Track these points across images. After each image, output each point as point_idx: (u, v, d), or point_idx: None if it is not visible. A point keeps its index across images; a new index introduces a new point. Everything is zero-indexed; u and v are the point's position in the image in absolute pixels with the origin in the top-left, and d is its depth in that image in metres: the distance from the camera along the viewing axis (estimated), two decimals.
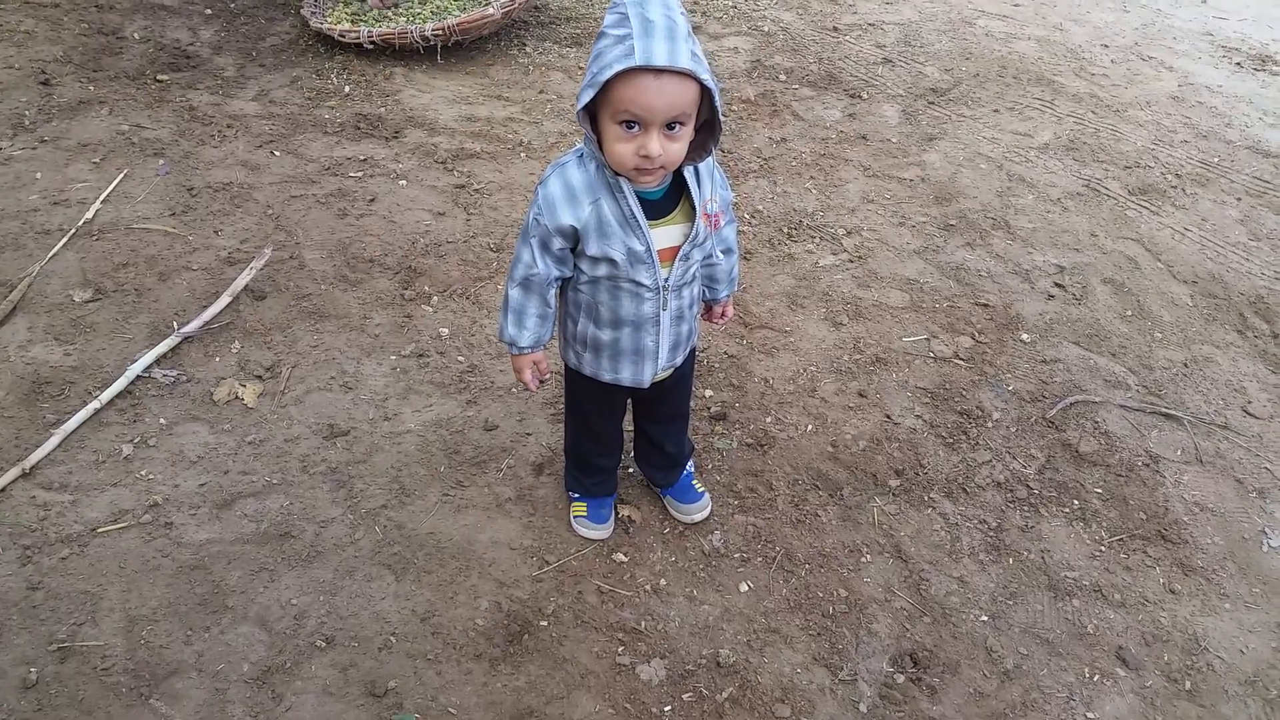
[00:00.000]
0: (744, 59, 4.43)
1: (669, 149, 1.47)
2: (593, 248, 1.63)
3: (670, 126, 1.45)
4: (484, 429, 2.47)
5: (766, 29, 4.69)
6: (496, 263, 3.07)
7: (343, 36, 4.08)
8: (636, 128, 1.45)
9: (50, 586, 2.00)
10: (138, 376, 2.54)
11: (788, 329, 2.93)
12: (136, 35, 4.13)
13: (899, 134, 4.00)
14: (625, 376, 1.83)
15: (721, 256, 1.89)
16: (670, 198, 1.64)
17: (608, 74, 1.39)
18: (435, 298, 2.89)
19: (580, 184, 1.60)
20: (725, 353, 2.82)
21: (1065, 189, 3.70)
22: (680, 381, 2.02)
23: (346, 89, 3.96)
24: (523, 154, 3.64)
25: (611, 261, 1.64)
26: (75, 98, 3.64)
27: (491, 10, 4.14)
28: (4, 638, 1.90)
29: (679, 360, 1.89)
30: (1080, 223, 3.51)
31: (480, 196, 3.36)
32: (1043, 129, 4.10)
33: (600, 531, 2.19)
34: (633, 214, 1.59)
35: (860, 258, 3.26)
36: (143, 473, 2.31)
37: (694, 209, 1.65)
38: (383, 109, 3.81)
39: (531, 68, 4.25)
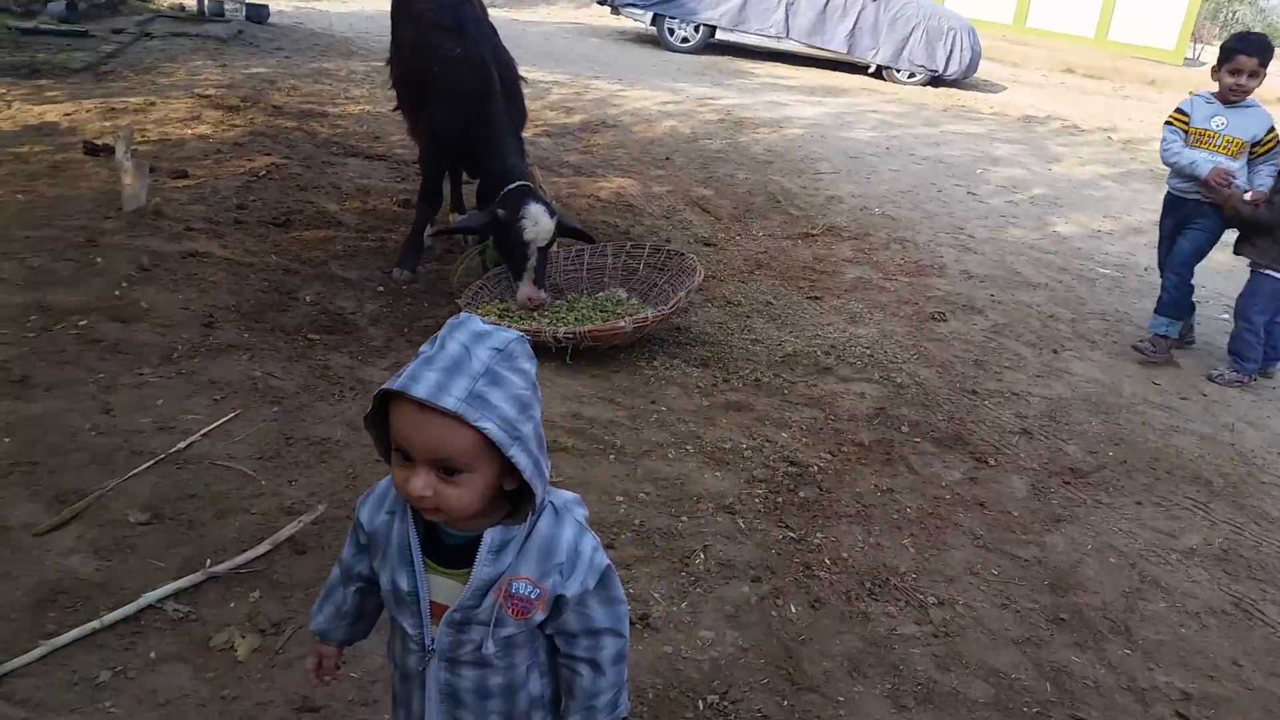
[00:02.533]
0: (868, 405, 4.36)
1: (445, 493, 1.25)
2: (375, 564, 1.45)
3: (447, 471, 1.25)
4: None
5: (899, 380, 4.63)
6: None
7: None
8: (405, 458, 1.27)
9: None
10: (149, 606, 2.52)
11: (840, 699, 2.59)
12: (308, 298, 4.58)
13: (1022, 508, 3.71)
14: None
15: (582, 670, 1.45)
16: (473, 549, 1.36)
17: (378, 390, 1.27)
18: None
19: (386, 497, 1.45)
20: (758, 710, 2.50)
21: (1207, 603, 3.24)
22: None
23: None
24: (612, 456, 3.63)
25: (385, 590, 1.43)
26: (227, 341, 4.02)
27: (623, 324, 4.34)
28: None
29: None
30: (1221, 646, 3.02)
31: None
32: (1191, 531, 3.69)
33: None
34: (407, 544, 1.37)
35: (947, 634, 2.91)
36: (107, 703, 2.22)
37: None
38: None
39: (653, 379, 4.35)
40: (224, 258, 4.81)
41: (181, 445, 3.20)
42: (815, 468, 3.75)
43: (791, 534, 3.31)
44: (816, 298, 5.56)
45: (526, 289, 4.52)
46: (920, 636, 2.89)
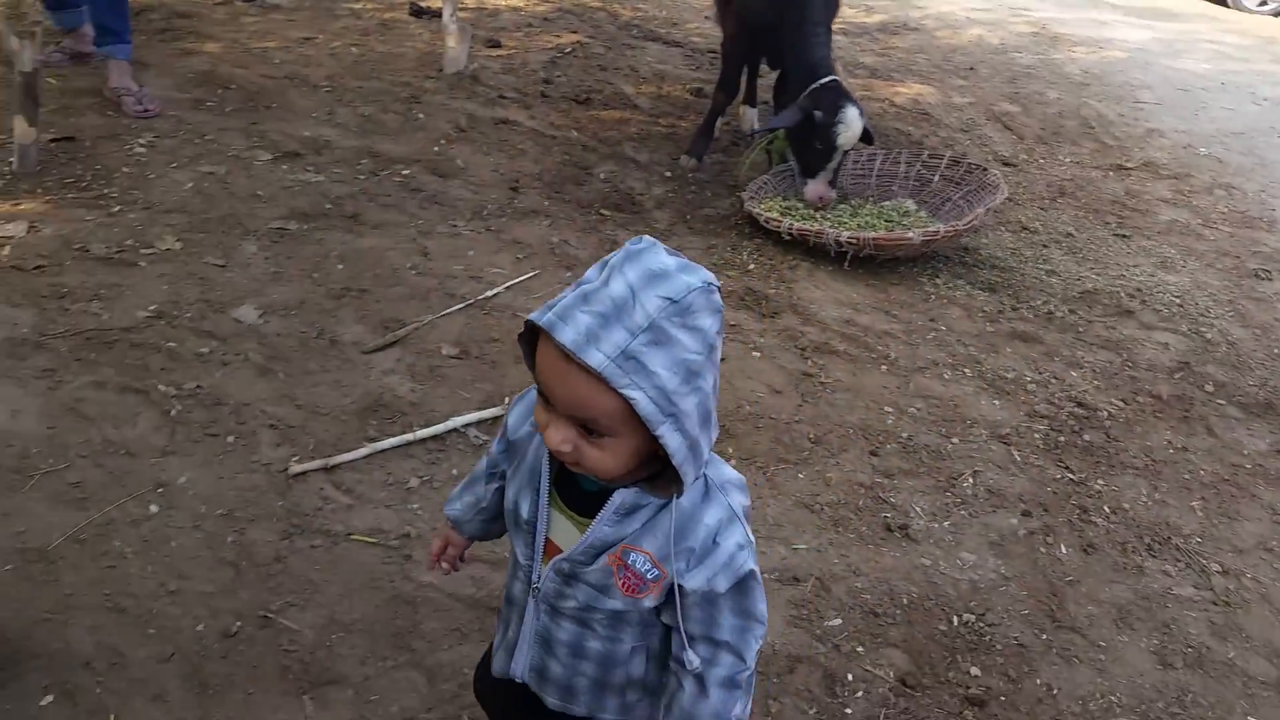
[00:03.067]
0: (1171, 356, 4.03)
1: (585, 451, 1.07)
2: (508, 475, 1.32)
3: (588, 430, 1.06)
4: None
5: (1209, 336, 4.23)
6: (810, 453, 3.00)
7: (767, 223, 4.38)
8: (548, 401, 1.09)
9: (289, 564, 2.23)
10: (455, 429, 2.81)
11: (1101, 644, 2.50)
12: (601, 175, 4.77)
13: None
14: (497, 661, 1.39)
15: (686, 683, 1.23)
16: (600, 500, 1.19)
17: (527, 319, 1.07)
18: (734, 461, 2.89)
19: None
20: (1014, 638, 2.47)
21: None
22: None
23: (751, 265, 4.21)
24: (884, 367, 3.59)
25: (508, 505, 1.30)
26: (530, 206, 4.28)
27: (911, 235, 4.22)
28: (234, 588, 2.13)
29: (551, 700, 1.34)
30: None
31: (822, 389, 3.35)
32: None
33: None
34: (540, 472, 1.23)
35: (1228, 604, 2.71)
36: (414, 506, 2.52)
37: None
38: (772, 290, 4.00)
39: (934, 297, 4.22)
40: (530, 128, 5.08)
41: (488, 294, 3.49)
42: (1105, 413, 3.54)
43: (1071, 475, 3.16)
44: (1124, 236, 5.13)
45: (819, 187, 4.47)
46: (1198, 600, 2.71)
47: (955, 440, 3.26)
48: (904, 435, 3.21)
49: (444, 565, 1.54)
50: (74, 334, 2.86)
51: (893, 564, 2.66)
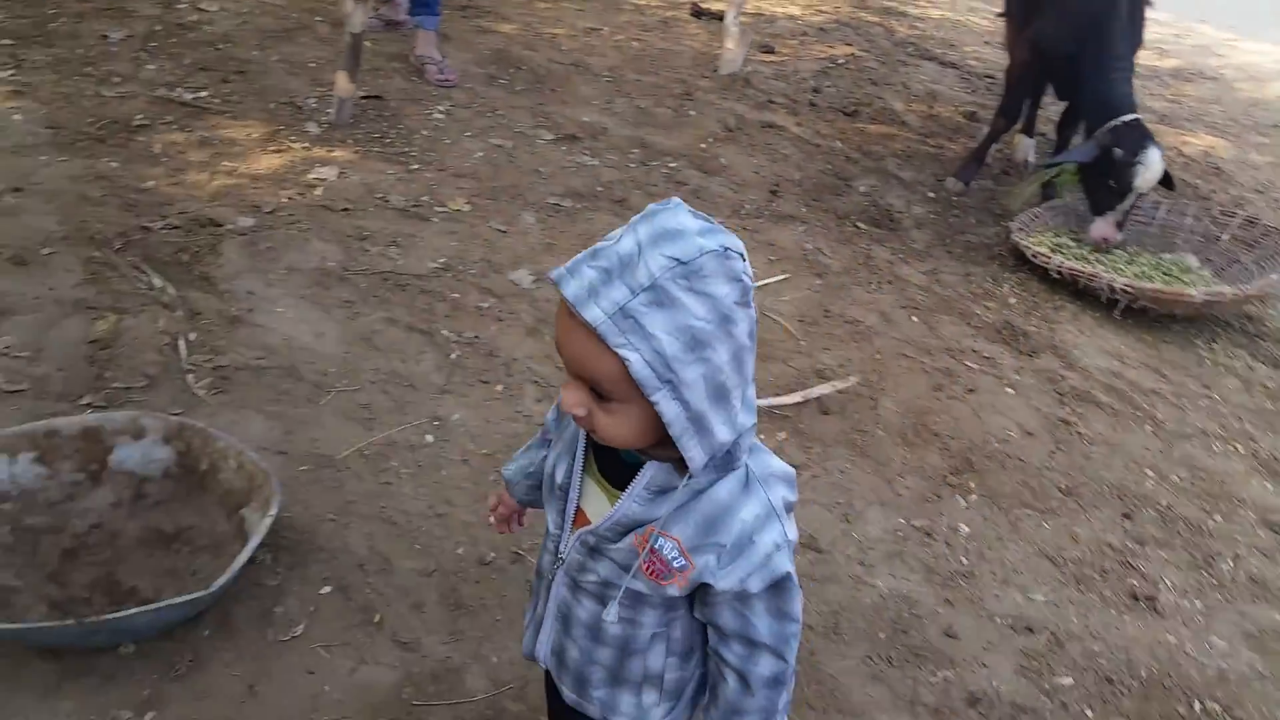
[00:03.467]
0: None
1: (598, 418, 1.03)
2: (553, 440, 1.28)
3: (598, 394, 1.01)
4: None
5: None
6: (1059, 504, 2.88)
7: (1035, 258, 4.22)
8: None
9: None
10: None
11: None
12: (861, 189, 4.75)
13: None
14: (526, 639, 1.35)
15: (729, 677, 1.18)
16: (633, 472, 1.13)
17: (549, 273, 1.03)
18: (975, 496, 2.82)
19: None
20: None
21: None
22: None
23: (1012, 300, 4.08)
24: (1148, 427, 3.38)
25: (546, 467, 1.26)
26: (787, 211, 4.33)
27: (1194, 293, 3.94)
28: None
29: (567, 690, 1.30)
30: None
31: (1079, 440, 3.20)
32: None
33: None
34: (576, 437, 1.18)
35: None
36: None
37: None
38: (1033, 328, 3.85)
39: (1209, 362, 3.94)
40: (795, 135, 5.14)
41: None
42: None
43: None
44: None
45: (1106, 227, 4.25)
46: None
47: (1218, 518, 3.03)
48: (1162, 503, 3.02)
49: (500, 527, 1.51)
50: (372, 273, 3.17)
51: (1135, 634, 2.52)
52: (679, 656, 1.23)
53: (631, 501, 1.09)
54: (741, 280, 0.97)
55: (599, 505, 1.16)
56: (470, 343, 2.96)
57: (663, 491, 1.08)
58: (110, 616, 1.74)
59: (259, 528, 1.95)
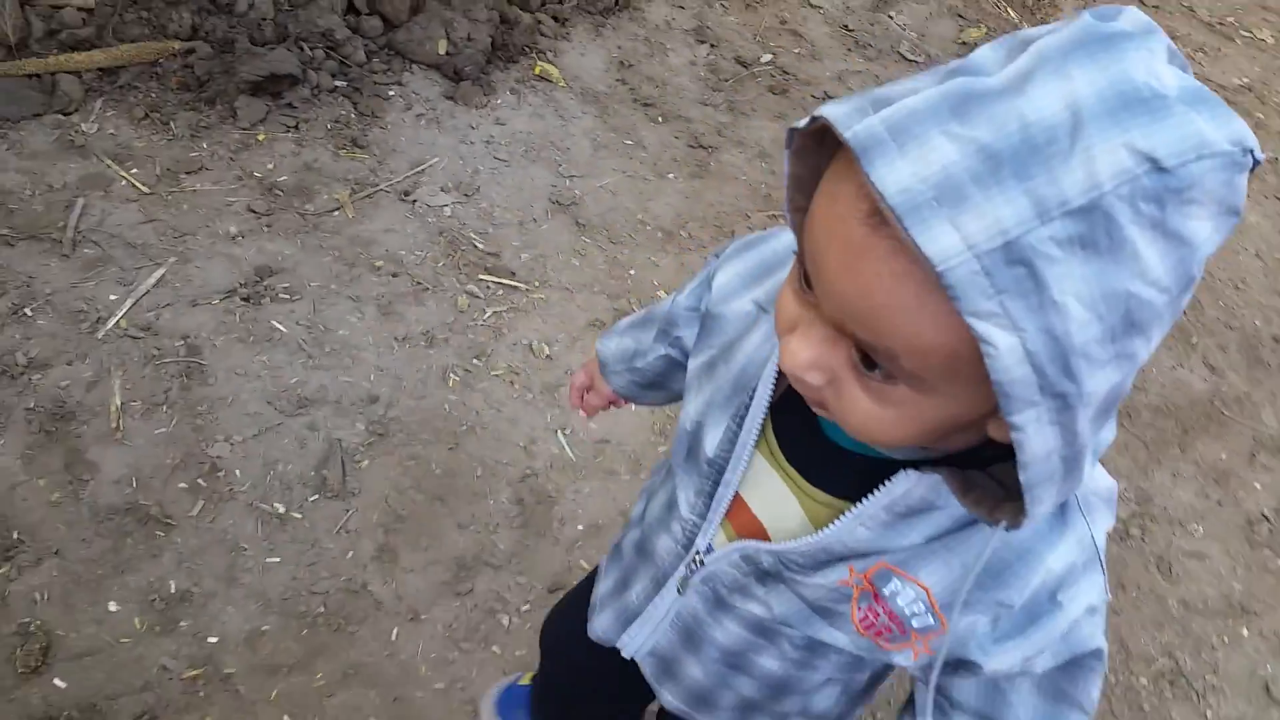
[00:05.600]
0: None
1: (849, 395, 0.58)
2: (690, 367, 0.86)
3: (867, 362, 0.55)
4: None
5: None
6: None
7: None
8: (811, 288, 0.57)
9: None
10: None
11: None
12: None
13: None
14: (600, 620, 1.01)
15: None
16: (862, 472, 0.69)
17: (821, 111, 0.51)
18: None
19: (778, 274, 0.80)
20: None
21: None
22: None
23: None
24: None
25: (683, 423, 0.85)
26: None
27: None
28: None
29: (671, 698, 0.97)
30: None
31: None
32: None
33: None
34: (751, 389, 0.75)
35: None
36: None
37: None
38: None
39: None
40: None
41: None
42: None
43: None
44: None
45: None
46: None
47: None
48: None
49: (585, 411, 1.18)
50: None
51: None
52: (854, 696, 0.92)
53: (858, 526, 0.69)
54: (1240, 212, 0.51)
55: (778, 502, 0.77)
56: None
57: (912, 515, 0.68)
58: None
59: None
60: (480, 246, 2.12)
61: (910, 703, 0.81)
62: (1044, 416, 0.49)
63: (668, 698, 0.96)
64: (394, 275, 2.01)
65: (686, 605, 0.87)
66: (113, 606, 1.47)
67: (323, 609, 1.54)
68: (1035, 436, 0.49)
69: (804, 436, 0.72)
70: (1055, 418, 0.49)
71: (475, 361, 1.92)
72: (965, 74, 0.48)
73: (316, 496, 1.66)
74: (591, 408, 1.14)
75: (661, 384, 1.03)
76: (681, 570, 0.85)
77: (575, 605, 1.09)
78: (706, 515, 0.81)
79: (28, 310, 1.74)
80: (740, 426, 0.75)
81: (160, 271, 1.86)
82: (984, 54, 0.50)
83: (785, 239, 0.81)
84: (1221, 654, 1.92)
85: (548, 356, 1.97)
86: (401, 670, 1.51)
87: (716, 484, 0.79)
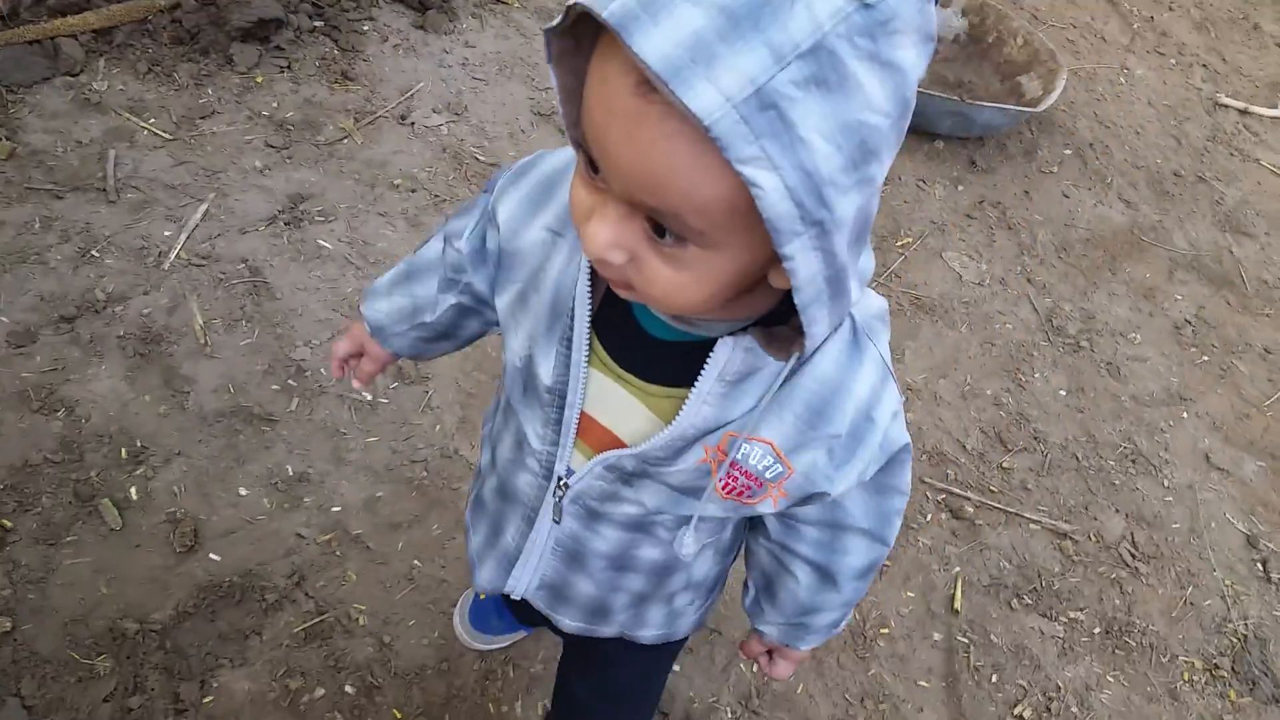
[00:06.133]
0: None
1: (649, 266, 0.63)
2: (502, 302, 0.87)
3: (658, 230, 0.61)
4: None
5: None
6: None
7: None
8: (598, 173, 0.62)
9: None
10: None
11: None
12: None
13: None
14: (483, 574, 1.06)
15: (800, 573, 0.95)
16: (688, 357, 0.75)
17: (577, 3, 0.55)
18: None
19: (559, 194, 0.81)
20: None
21: None
22: (584, 666, 1.24)
23: None
24: None
25: (512, 360, 0.88)
26: None
27: None
28: None
29: (567, 621, 1.05)
30: None
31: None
32: None
33: (483, 641, 1.59)
34: (569, 307, 0.79)
35: None
36: None
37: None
38: None
39: None
40: None
41: None
42: None
43: None
44: None
45: None
46: None
47: None
48: None
49: (355, 381, 1.15)
50: None
51: None
52: (724, 552, 1.01)
53: (702, 404, 0.75)
54: (934, 39, 0.58)
55: (623, 409, 0.82)
56: None
57: (743, 378, 0.75)
58: (971, 103, 2.65)
59: (1053, 88, 2.78)
60: (482, 159, 2.33)
61: (755, 522, 0.96)
62: (808, 244, 0.55)
63: (565, 622, 1.03)
64: (413, 191, 2.20)
65: (563, 530, 0.92)
66: (242, 491, 1.66)
67: (425, 473, 1.76)
68: (803, 264, 0.56)
69: (629, 341, 0.77)
70: (817, 244, 0.55)
71: None
72: None
73: (396, 384, 1.87)
74: (366, 374, 1.12)
75: (452, 333, 1.03)
76: (549, 500, 0.90)
77: None
78: (559, 441, 0.85)
79: (94, 252, 1.89)
80: (569, 349, 0.79)
81: (204, 206, 2.02)
82: None
83: (555, 158, 0.83)
84: (1169, 435, 2.28)
85: None
86: None
87: (561, 409, 0.83)
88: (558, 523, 0.92)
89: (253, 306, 1.89)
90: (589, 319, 0.77)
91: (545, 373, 0.82)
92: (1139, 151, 3.06)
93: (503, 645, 1.60)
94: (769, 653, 1.07)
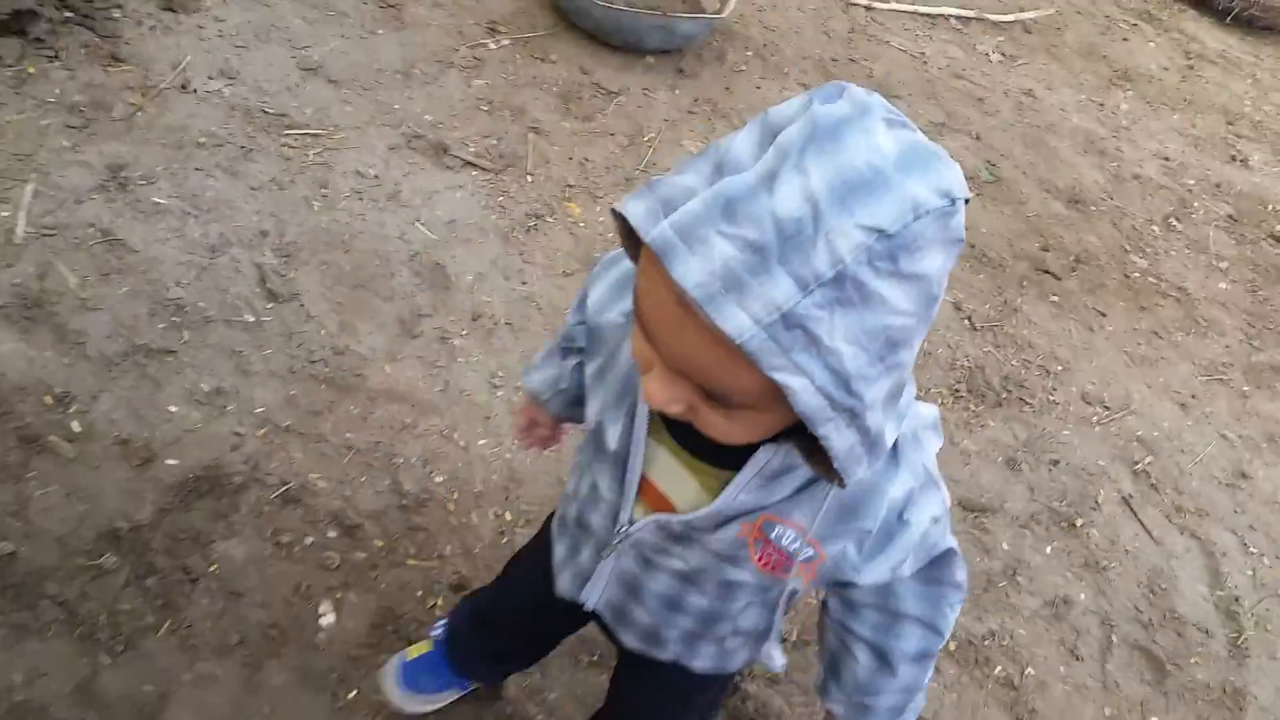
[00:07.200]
0: None
1: (705, 416, 0.75)
2: (586, 376, 1.03)
3: (710, 396, 0.72)
4: None
5: None
6: (1185, 106, 4.37)
7: None
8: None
9: None
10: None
11: None
12: None
13: None
14: (562, 581, 1.19)
15: (860, 655, 1.05)
16: (735, 447, 0.82)
17: (622, 209, 0.68)
18: (1130, 94, 4.30)
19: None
20: None
21: None
22: (637, 685, 1.35)
23: None
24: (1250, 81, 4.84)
25: (588, 423, 1.04)
26: None
27: None
28: None
29: (628, 641, 1.17)
30: None
31: (1199, 76, 4.66)
32: None
33: (416, 702, 1.61)
34: (635, 388, 0.93)
35: None
36: None
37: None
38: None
39: None
40: None
41: None
42: None
43: None
44: None
45: None
46: None
47: None
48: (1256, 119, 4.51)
49: (533, 446, 1.35)
50: None
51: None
52: (770, 608, 1.08)
53: (739, 492, 0.87)
54: (961, 241, 0.65)
55: (676, 479, 0.94)
56: None
57: (778, 476, 0.86)
58: (673, 16, 3.21)
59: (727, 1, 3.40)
60: (270, 111, 2.56)
61: (825, 603, 1.09)
62: (840, 424, 0.65)
63: (627, 639, 1.16)
64: (219, 145, 2.40)
65: (623, 565, 1.06)
66: (172, 409, 1.87)
67: (327, 369, 2.03)
68: (837, 440, 0.66)
69: (687, 423, 0.79)
70: (849, 423, 0.66)
71: (324, 191, 2.40)
72: (727, 170, 0.63)
73: (272, 304, 2.11)
74: (545, 440, 1.33)
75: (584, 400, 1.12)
76: (615, 540, 1.02)
77: (538, 550, 1.28)
78: (621, 495, 0.98)
79: None
80: (633, 422, 0.92)
81: (30, 186, 2.13)
82: (740, 146, 0.64)
83: (626, 266, 0.98)
84: None
85: (375, 176, 2.50)
86: (407, 387, 2.06)
87: (624, 471, 0.96)
88: (619, 559, 1.06)
89: (116, 260, 2.06)
90: (646, 412, 0.91)
91: (612, 439, 0.95)
92: (802, 47, 3.76)
93: (436, 706, 1.61)
94: None
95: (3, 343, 1.86)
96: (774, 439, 0.80)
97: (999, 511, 2.26)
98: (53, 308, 1.94)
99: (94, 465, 1.74)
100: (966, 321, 2.76)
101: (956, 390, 2.53)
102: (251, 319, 2.07)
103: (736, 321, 0.60)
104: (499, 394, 2.12)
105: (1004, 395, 2.56)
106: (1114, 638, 2.09)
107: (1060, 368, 2.71)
